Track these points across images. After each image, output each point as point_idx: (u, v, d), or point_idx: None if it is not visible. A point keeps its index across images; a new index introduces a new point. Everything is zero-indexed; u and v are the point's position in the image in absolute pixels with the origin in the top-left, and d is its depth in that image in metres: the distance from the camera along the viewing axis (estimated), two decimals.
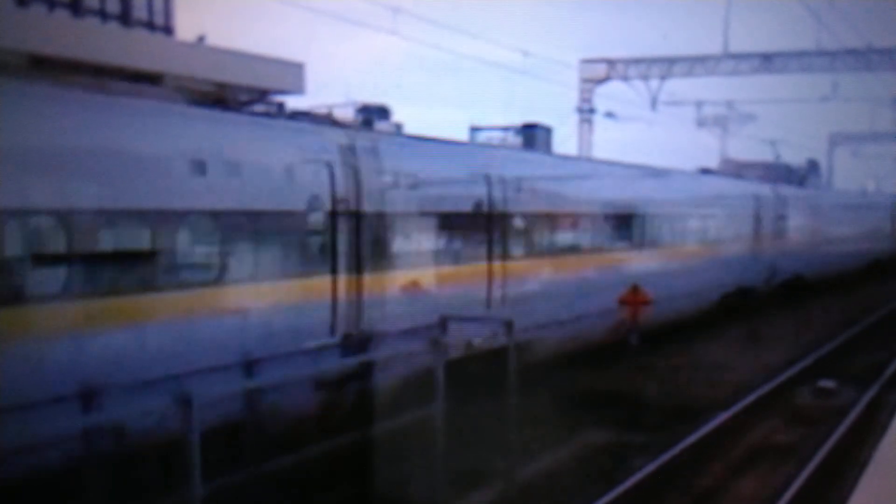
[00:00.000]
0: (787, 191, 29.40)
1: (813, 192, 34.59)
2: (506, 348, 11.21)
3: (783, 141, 37.51)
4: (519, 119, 18.67)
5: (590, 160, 24.76)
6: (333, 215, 10.78)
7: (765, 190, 27.16)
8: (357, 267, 11.09)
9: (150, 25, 20.43)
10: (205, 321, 9.24)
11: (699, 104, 40.07)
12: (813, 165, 37.81)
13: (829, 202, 36.46)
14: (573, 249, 16.47)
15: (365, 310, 11.13)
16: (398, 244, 12.00)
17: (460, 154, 14.92)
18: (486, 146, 17.16)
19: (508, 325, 11.30)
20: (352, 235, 11.06)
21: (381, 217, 11.57)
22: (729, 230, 24.38)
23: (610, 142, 32.63)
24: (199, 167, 9.25)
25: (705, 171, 27.26)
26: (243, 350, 9.10)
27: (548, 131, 22.54)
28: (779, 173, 31.35)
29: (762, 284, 25.86)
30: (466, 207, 13.55)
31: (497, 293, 13.78)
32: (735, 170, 30.55)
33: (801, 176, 34.32)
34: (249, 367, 9.02)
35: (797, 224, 29.42)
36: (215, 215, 9.39)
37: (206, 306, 9.28)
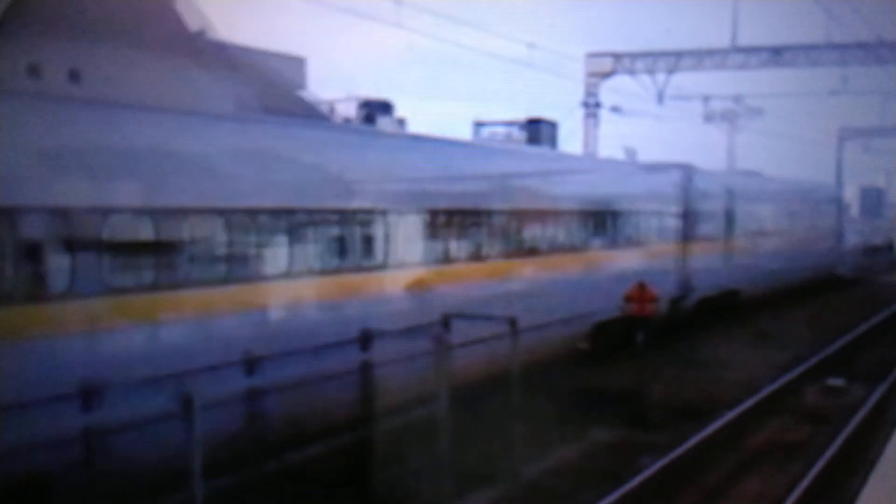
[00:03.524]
0: None
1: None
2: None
3: None
4: (524, 113, 18.43)
5: None
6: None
7: None
8: None
9: None
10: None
11: (706, 98, 39.87)
12: None
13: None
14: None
15: None
16: None
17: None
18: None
19: (512, 323, 11.27)
20: None
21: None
22: None
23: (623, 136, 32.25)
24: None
25: None
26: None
27: (553, 126, 22.34)
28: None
29: None
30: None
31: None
32: None
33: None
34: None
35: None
36: None
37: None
